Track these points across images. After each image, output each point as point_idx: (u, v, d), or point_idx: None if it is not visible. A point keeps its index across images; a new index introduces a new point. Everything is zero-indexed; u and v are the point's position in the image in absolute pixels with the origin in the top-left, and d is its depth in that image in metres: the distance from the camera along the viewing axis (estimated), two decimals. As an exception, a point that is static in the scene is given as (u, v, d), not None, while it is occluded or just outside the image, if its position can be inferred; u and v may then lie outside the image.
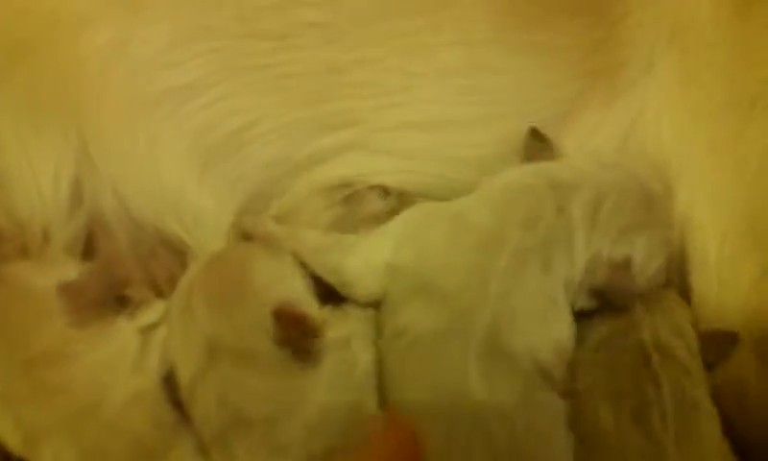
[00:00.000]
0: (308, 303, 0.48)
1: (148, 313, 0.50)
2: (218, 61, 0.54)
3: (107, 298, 0.49)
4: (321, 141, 0.54)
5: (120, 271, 0.51)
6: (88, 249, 0.53)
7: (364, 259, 0.49)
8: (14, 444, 0.46)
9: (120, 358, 0.47)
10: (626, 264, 0.48)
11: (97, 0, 0.54)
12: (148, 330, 0.49)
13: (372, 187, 0.55)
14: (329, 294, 0.50)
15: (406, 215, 0.51)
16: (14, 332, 0.47)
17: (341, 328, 0.47)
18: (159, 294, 0.51)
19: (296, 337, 0.45)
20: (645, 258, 0.49)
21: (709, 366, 0.48)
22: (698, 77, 0.54)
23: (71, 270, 0.50)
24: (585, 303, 0.48)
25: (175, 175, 0.52)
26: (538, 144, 0.53)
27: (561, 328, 0.47)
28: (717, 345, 0.49)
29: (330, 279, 0.49)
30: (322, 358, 0.45)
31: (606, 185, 0.49)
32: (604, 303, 0.48)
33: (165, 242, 0.53)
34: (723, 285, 0.50)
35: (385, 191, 0.55)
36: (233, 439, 0.44)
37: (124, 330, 0.48)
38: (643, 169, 0.53)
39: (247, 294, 0.46)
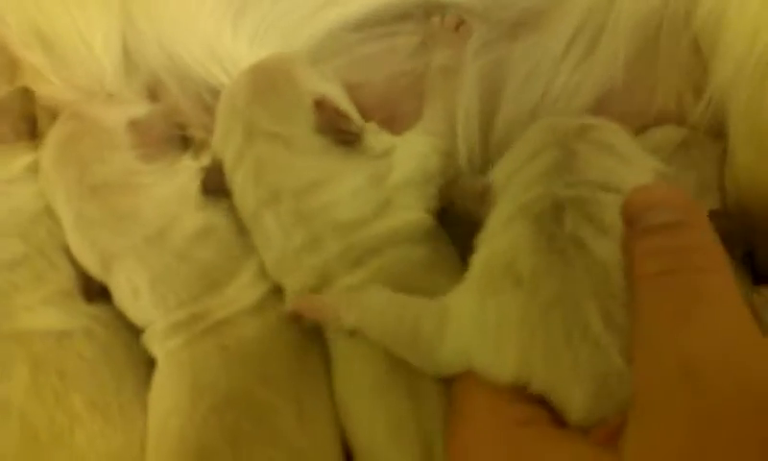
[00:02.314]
0: (349, 109, 0.50)
1: (208, 155, 0.51)
2: None
3: (171, 136, 0.51)
4: None
5: (179, 116, 0.53)
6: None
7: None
8: (93, 267, 0.48)
9: (185, 193, 0.49)
10: None
11: None
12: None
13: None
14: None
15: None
16: (85, 160, 0.49)
17: (383, 141, 0.49)
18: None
19: (336, 125, 0.47)
20: None
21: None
22: None
23: (139, 109, 0.52)
24: None
25: (211, 24, 0.52)
26: None
27: None
28: None
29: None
30: (359, 152, 0.47)
31: None
32: None
33: (211, 89, 0.54)
34: None
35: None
36: (265, 210, 0.46)
37: (188, 169, 0.51)
38: None
39: (287, 86, 0.49)
